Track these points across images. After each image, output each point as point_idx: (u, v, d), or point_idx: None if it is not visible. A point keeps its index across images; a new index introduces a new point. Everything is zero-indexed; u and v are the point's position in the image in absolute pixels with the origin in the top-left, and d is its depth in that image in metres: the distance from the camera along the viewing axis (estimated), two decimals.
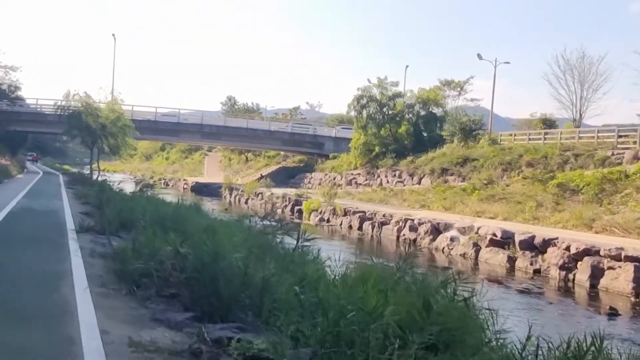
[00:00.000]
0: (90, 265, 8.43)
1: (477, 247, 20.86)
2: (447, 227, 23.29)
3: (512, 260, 19.29)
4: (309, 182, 51.51)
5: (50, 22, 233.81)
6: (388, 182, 41.83)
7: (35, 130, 60.88)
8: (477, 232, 21.53)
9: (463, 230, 22.33)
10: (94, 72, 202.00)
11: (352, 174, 46.64)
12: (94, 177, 42.14)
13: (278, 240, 9.39)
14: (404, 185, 39.37)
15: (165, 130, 57.26)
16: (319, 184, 49.05)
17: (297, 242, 7.66)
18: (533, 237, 19.08)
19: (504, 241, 20.09)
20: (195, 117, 60.34)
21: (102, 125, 41.52)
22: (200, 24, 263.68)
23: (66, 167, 77.72)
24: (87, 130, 41.89)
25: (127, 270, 7.20)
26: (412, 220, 25.37)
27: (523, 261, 18.82)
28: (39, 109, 55.43)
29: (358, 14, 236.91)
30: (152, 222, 11.14)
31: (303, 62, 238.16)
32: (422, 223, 24.54)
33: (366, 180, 44.41)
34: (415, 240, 24.42)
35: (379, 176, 43.40)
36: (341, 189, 42.98)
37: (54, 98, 44.99)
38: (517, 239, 19.53)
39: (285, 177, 56.18)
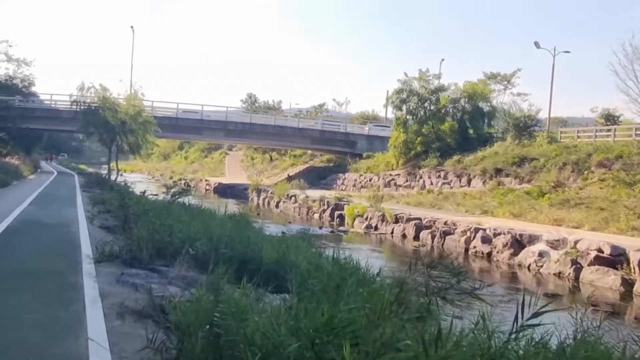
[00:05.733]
0: (120, 341, 4.84)
1: (577, 266, 17.12)
2: (532, 239, 19.51)
3: (628, 283, 15.57)
4: (343, 184, 47.72)
5: (66, 15, 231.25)
6: (432, 183, 38.09)
7: (49, 128, 57.56)
8: (574, 247, 17.78)
9: (554, 244, 18.55)
10: (111, 68, 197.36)
11: (390, 174, 42.79)
12: (112, 177, 38.93)
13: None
14: (451, 187, 35.62)
15: (187, 127, 53.78)
16: (354, 185, 45.42)
17: None
18: None
19: (614, 259, 16.39)
20: (218, 114, 56.83)
21: (121, 121, 38.23)
22: (218, 20, 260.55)
23: (82, 166, 74.67)
24: (105, 126, 38.62)
25: None
26: (484, 230, 21.63)
27: None
28: (53, 105, 51.99)
29: (385, 6, 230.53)
30: (205, 250, 7.68)
31: (326, 59, 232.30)
32: (499, 234, 20.76)
33: (407, 181, 40.61)
34: (489, 253, 20.79)
35: (421, 177, 39.58)
36: (379, 191, 39.26)
37: (68, 94, 41.47)
38: (634, 257, 15.78)
39: (314, 177, 52.43)
